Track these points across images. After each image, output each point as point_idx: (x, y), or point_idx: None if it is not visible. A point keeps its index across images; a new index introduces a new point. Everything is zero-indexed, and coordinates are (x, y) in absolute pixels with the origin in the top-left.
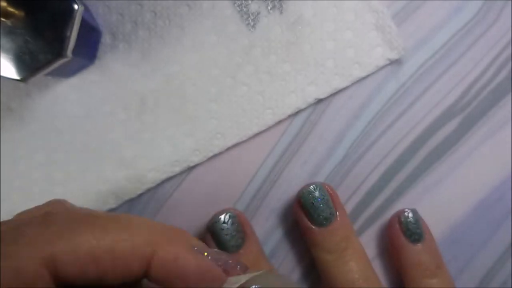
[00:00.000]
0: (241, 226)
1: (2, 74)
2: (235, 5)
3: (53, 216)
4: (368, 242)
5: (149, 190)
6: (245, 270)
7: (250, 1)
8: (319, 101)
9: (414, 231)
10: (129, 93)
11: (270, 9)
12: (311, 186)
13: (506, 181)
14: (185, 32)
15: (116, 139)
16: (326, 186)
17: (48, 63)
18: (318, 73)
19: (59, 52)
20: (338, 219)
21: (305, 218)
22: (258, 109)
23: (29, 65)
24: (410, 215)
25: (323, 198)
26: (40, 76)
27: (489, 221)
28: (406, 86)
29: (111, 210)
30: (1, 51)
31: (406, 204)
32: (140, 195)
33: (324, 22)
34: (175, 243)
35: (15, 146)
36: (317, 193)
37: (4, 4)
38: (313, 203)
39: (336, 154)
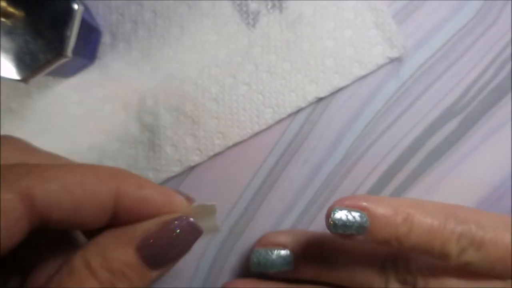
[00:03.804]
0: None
1: (2, 74)
2: (235, 4)
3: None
4: None
5: None
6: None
7: (250, 0)
8: (319, 100)
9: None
10: (129, 93)
11: (270, 8)
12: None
13: (506, 181)
14: (185, 31)
15: (116, 139)
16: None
17: (48, 63)
18: (318, 72)
19: (59, 52)
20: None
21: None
22: (258, 108)
23: (29, 65)
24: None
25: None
26: (40, 76)
27: None
28: (406, 86)
29: None
30: (1, 51)
31: None
32: None
33: (324, 21)
34: (135, 176)
35: None
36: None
37: (4, 4)
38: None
39: (336, 153)
